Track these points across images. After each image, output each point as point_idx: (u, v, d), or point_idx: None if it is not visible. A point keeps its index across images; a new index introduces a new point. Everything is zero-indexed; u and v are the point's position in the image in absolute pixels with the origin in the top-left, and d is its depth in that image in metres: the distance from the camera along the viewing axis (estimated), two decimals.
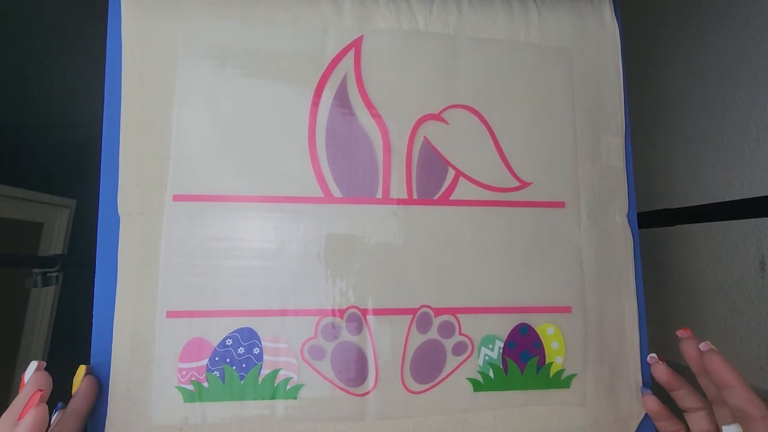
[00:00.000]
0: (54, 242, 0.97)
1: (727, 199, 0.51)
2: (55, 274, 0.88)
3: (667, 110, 0.66)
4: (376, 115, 0.34)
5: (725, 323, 0.56)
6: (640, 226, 0.38)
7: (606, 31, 0.38)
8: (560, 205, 0.35)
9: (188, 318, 0.31)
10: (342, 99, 0.34)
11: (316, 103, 0.33)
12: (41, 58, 0.94)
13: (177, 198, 0.32)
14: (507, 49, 0.36)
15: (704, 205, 0.54)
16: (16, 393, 0.26)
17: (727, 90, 0.57)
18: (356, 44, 0.34)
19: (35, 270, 0.87)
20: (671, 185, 0.65)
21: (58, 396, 0.27)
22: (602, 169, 0.37)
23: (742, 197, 0.49)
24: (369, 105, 0.34)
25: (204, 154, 0.32)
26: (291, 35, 0.34)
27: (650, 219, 0.50)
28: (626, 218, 0.37)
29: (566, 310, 0.34)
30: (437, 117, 0.35)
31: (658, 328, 0.53)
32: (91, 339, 0.31)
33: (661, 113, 0.67)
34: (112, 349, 0.31)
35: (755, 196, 0.44)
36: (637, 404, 0.35)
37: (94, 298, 0.32)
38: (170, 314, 0.31)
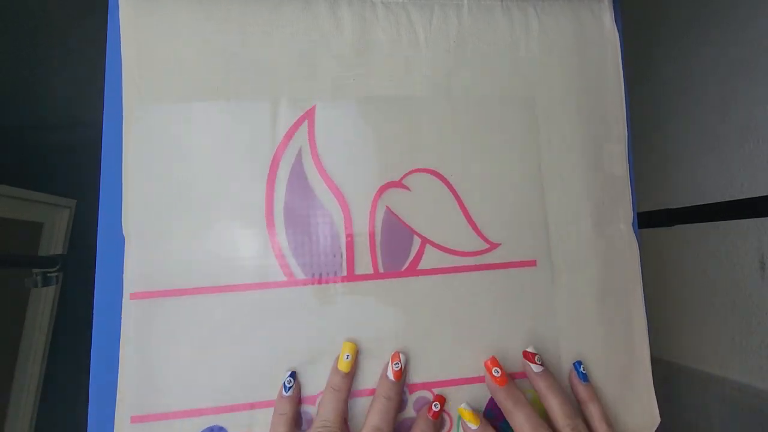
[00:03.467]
0: (54, 242, 0.97)
1: (727, 199, 0.51)
2: (55, 274, 0.88)
3: (667, 110, 0.66)
4: (334, 189, 0.33)
5: (725, 323, 0.56)
6: (639, 226, 0.38)
7: (606, 39, 0.38)
8: (531, 263, 0.34)
9: (153, 422, 0.30)
10: (298, 174, 0.32)
11: (272, 182, 0.32)
12: (41, 58, 0.94)
13: (135, 296, 0.31)
14: (466, 103, 0.35)
15: (704, 205, 0.54)
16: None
17: (728, 90, 0.57)
18: (309, 115, 0.33)
19: (35, 270, 0.87)
20: (671, 185, 0.65)
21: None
22: (605, 178, 0.37)
23: (742, 197, 0.50)
24: (327, 178, 0.33)
25: (160, 248, 0.31)
26: (241, 108, 0.32)
27: (650, 219, 0.50)
28: (631, 227, 0.37)
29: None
30: (399, 184, 0.33)
31: (658, 328, 0.53)
32: (91, 338, 0.31)
33: (661, 113, 0.67)
34: (119, 368, 0.30)
35: (755, 196, 0.44)
36: (649, 415, 0.34)
37: (94, 302, 0.32)
38: (135, 419, 0.30)
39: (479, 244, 0.34)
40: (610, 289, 0.35)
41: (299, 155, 0.33)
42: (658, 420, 0.34)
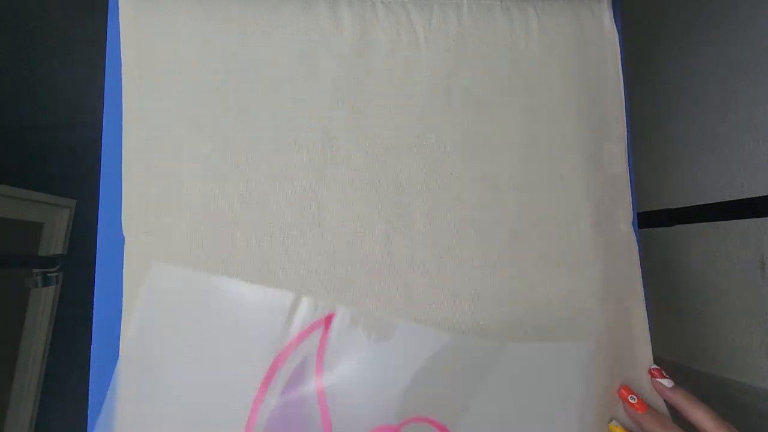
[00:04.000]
0: (54, 242, 0.97)
1: (727, 199, 0.51)
2: (55, 274, 0.88)
3: (667, 110, 0.66)
4: (325, 415, 0.30)
5: (725, 323, 0.56)
6: (639, 226, 0.38)
7: (606, 38, 0.38)
8: None
9: None
10: (295, 385, 0.30)
11: (260, 397, 0.29)
12: (41, 58, 0.94)
13: None
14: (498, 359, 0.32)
15: (704, 205, 0.54)
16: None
17: (728, 90, 0.57)
18: (327, 321, 0.31)
19: (35, 270, 0.87)
20: (671, 185, 0.65)
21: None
22: (605, 178, 0.36)
23: (741, 197, 0.50)
24: (321, 400, 0.30)
25: None
26: (266, 295, 0.30)
27: (650, 219, 0.50)
28: (631, 226, 0.37)
29: None
30: (395, 430, 0.31)
31: (659, 328, 0.53)
32: (90, 338, 0.31)
33: (661, 113, 0.67)
34: (119, 368, 0.30)
35: (755, 196, 0.44)
36: None
37: (94, 302, 0.32)
38: None
39: None
40: (610, 289, 0.35)
41: (302, 364, 0.30)
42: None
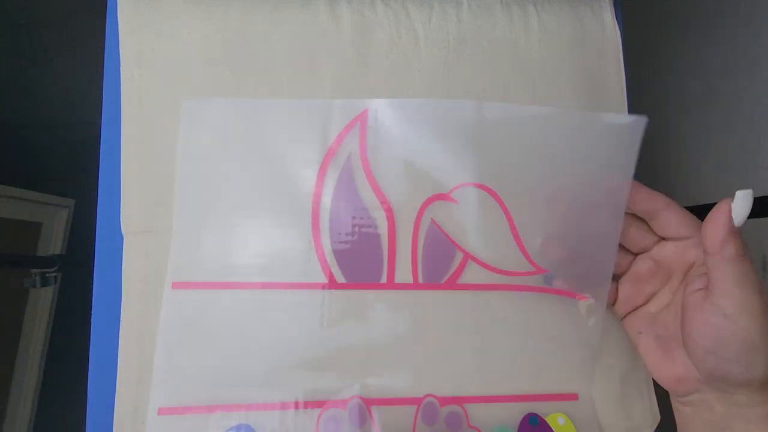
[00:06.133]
0: (53, 242, 0.97)
1: None
2: (54, 274, 0.88)
3: (667, 110, 0.66)
4: (381, 197, 0.32)
5: None
6: None
7: (607, 37, 0.38)
8: (581, 297, 0.32)
9: (181, 415, 0.29)
10: (347, 181, 0.32)
11: (320, 186, 0.32)
12: (41, 58, 0.94)
13: (176, 286, 0.31)
14: (533, 124, 0.33)
15: (704, 205, 0.54)
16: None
17: (728, 90, 0.57)
18: (361, 118, 0.33)
19: (34, 270, 0.87)
20: (671, 185, 0.64)
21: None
22: None
23: None
24: (375, 187, 0.32)
25: (205, 241, 0.31)
26: (294, 108, 0.32)
27: None
28: None
29: (572, 397, 0.33)
30: (446, 197, 0.33)
31: None
32: (89, 338, 0.31)
33: (661, 113, 0.67)
34: (118, 369, 0.30)
35: (755, 196, 0.44)
36: (649, 414, 0.34)
37: (93, 303, 0.31)
38: (162, 411, 0.29)
39: (525, 267, 0.33)
40: None
41: (348, 160, 0.32)
42: (658, 418, 0.34)
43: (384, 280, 0.32)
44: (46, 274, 0.86)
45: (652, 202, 0.29)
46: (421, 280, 0.32)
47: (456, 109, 0.32)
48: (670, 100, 0.66)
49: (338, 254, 0.32)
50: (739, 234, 0.25)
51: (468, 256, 0.33)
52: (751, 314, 0.24)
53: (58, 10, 0.85)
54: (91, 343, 0.31)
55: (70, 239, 0.99)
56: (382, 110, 0.33)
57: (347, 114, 0.33)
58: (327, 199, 0.32)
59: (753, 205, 0.37)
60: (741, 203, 0.26)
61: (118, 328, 0.31)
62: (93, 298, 0.31)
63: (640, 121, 0.30)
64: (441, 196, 0.33)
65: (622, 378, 0.34)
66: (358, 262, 0.32)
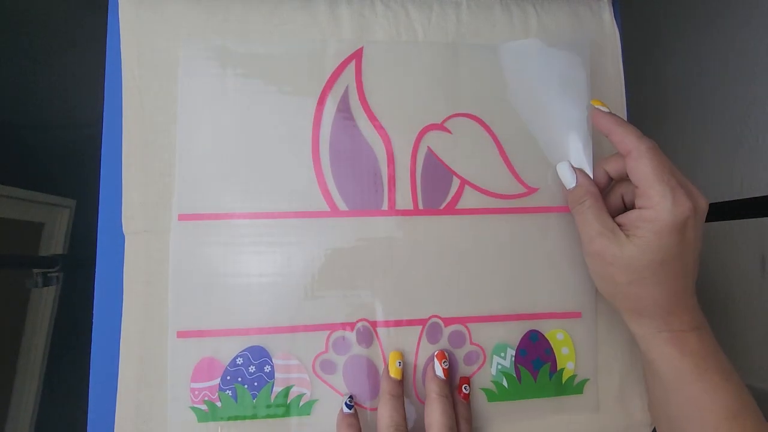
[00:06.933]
0: (54, 242, 0.97)
1: (727, 199, 0.51)
2: (56, 274, 0.88)
3: (666, 109, 0.66)
4: (379, 127, 0.34)
5: (725, 323, 0.56)
6: None
7: (606, 36, 0.38)
8: (566, 209, 0.35)
9: (198, 338, 0.31)
10: (345, 111, 0.34)
11: (318, 117, 0.33)
12: (41, 58, 0.94)
13: (183, 217, 0.32)
14: (506, 57, 0.35)
15: None
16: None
17: (727, 89, 0.57)
18: (356, 56, 0.34)
19: (35, 270, 0.87)
20: None
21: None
22: None
23: (741, 196, 0.50)
24: (372, 117, 0.34)
25: (208, 172, 0.32)
26: (290, 47, 0.34)
27: None
28: None
29: (576, 315, 0.34)
30: (440, 126, 0.34)
31: None
32: (91, 338, 0.31)
33: (660, 112, 0.67)
34: (119, 369, 0.31)
35: (755, 195, 0.44)
36: (649, 412, 0.34)
37: (95, 303, 0.32)
38: (181, 334, 0.31)
39: (517, 188, 0.35)
40: None
41: (346, 93, 0.34)
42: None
43: (385, 207, 0.33)
44: (48, 274, 0.87)
45: (608, 124, 0.31)
46: (421, 206, 0.34)
47: (440, 52, 0.35)
48: (666, 98, 0.66)
49: (338, 182, 0.33)
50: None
51: (464, 182, 0.34)
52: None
53: (59, 10, 0.85)
54: (92, 342, 0.31)
55: (71, 239, 0.99)
56: (377, 49, 0.35)
57: (344, 51, 0.34)
58: (326, 129, 0.33)
59: (753, 205, 0.37)
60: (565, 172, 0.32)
61: (120, 328, 0.31)
62: (94, 298, 0.32)
63: (583, 41, 0.35)
64: (435, 126, 0.34)
65: (621, 376, 0.35)
66: (359, 189, 0.33)
